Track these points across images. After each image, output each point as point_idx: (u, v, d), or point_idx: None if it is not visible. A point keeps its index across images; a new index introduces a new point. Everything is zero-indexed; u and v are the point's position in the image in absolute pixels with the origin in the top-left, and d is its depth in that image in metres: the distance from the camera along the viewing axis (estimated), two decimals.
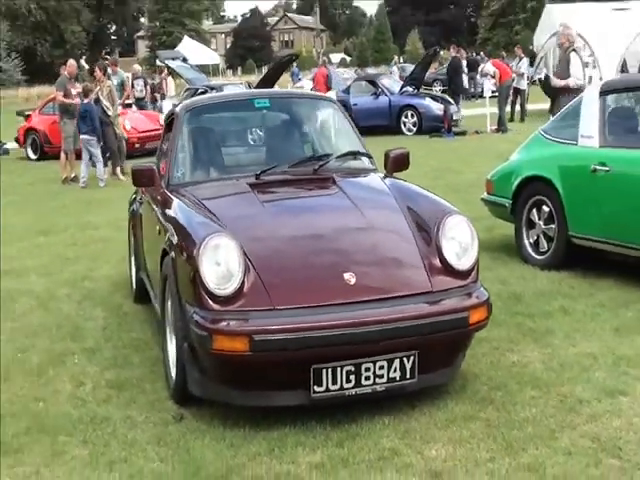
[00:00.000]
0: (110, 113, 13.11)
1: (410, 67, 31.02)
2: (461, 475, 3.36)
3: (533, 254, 6.73)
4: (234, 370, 3.67)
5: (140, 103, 18.70)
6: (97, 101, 13.04)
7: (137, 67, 17.57)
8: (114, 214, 10.16)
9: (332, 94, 19.82)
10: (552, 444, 3.58)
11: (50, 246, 8.48)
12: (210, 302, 3.66)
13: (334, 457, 3.52)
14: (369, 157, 5.06)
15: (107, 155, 13.55)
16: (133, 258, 6.17)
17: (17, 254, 8.12)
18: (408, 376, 3.76)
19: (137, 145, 15.47)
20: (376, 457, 3.51)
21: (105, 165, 13.33)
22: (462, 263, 3.98)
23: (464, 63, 29.28)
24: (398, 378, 3.75)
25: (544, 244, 6.64)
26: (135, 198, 6.10)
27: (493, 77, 19.42)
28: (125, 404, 4.21)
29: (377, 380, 3.71)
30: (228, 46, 74.06)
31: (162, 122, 15.91)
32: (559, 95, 9.71)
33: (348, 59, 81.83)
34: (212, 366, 3.73)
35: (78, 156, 13.16)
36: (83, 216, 10.21)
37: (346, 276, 3.78)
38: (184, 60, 20.48)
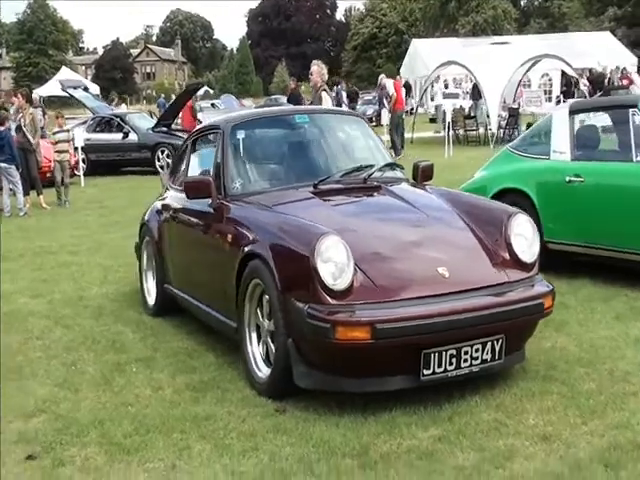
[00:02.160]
0: (33, 141, 12.85)
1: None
2: (566, 435, 3.83)
3: None
4: (350, 359, 3.97)
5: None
6: (19, 128, 12.77)
7: (36, 96, 17.21)
8: (60, 240, 10.22)
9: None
10: (626, 407, 4.13)
11: (17, 271, 8.33)
12: (327, 297, 3.95)
13: (450, 430, 3.89)
14: (402, 168, 5.50)
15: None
16: (150, 273, 6.31)
17: None
18: (497, 357, 4.20)
19: (48, 174, 15.03)
20: (487, 428, 3.91)
21: (27, 194, 13.04)
22: (528, 257, 4.48)
23: (344, 94, 30.45)
24: (489, 359, 4.17)
25: None
26: (158, 213, 6.20)
27: (390, 98, 20.35)
28: (218, 403, 4.38)
29: (473, 362, 4.12)
30: (89, 78, 72.80)
31: (71, 151, 15.65)
32: None
33: (211, 91, 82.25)
34: (328, 357, 4.01)
35: None
36: (30, 242, 10.03)
37: (440, 270, 4.18)
38: (85, 89, 20.25)
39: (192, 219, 5.48)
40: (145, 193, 14.45)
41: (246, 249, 4.49)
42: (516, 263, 4.44)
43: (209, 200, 5.11)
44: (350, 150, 5.64)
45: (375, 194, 5.00)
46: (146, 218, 6.40)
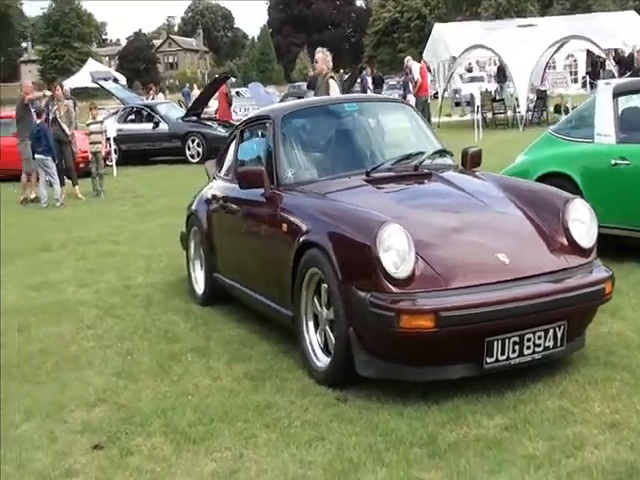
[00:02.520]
0: (68, 132, 12.94)
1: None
2: (634, 423, 3.77)
3: None
4: (414, 347, 3.95)
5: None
6: (54, 120, 12.87)
7: (67, 88, 17.32)
8: (99, 230, 10.32)
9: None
10: None
11: (61, 261, 8.43)
12: (390, 285, 3.94)
13: (516, 419, 3.86)
14: (451, 155, 5.47)
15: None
16: (197, 262, 6.34)
17: (30, 269, 8.06)
18: (559, 344, 4.16)
19: (82, 165, 15.11)
20: (552, 416, 3.88)
21: (63, 184, 13.16)
22: (586, 242, 4.44)
23: (369, 80, 30.32)
24: (551, 346, 4.14)
25: None
26: (206, 202, 6.20)
27: (415, 83, 20.23)
28: (278, 392, 4.38)
29: (536, 349, 4.09)
30: (113, 68, 73.84)
31: (103, 142, 15.73)
32: None
33: (233, 80, 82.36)
34: (390, 345, 4.00)
35: None
36: (69, 233, 10.15)
37: (500, 257, 4.15)
38: (115, 80, 20.38)
39: (244, 209, 5.50)
40: (177, 182, 14.61)
41: (302, 238, 4.49)
42: (574, 248, 4.39)
43: (261, 190, 5.11)
44: (399, 137, 5.63)
45: (427, 181, 4.98)
46: (194, 208, 6.41)
